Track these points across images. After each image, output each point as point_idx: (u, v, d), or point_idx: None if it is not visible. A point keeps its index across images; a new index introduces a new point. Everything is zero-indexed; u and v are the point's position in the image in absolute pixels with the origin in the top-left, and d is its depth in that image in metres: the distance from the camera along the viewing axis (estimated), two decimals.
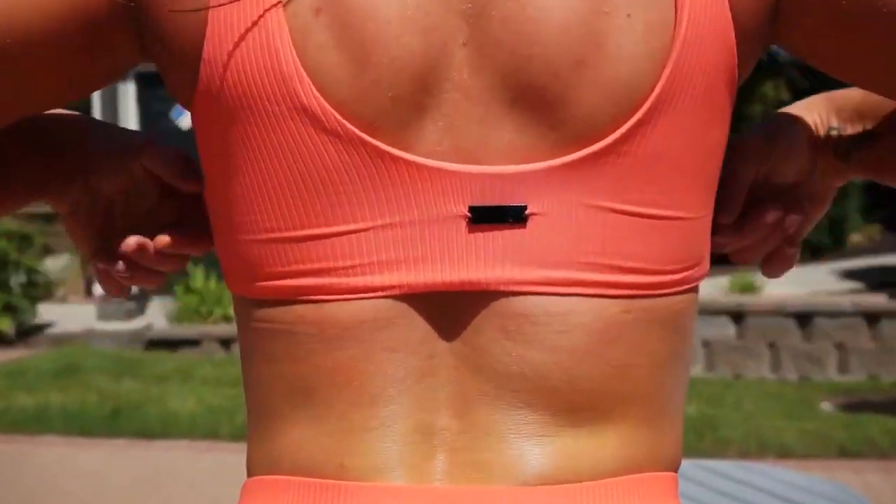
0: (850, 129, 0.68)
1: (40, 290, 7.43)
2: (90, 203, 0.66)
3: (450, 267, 0.55)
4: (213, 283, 7.08)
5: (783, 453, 4.15)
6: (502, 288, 0.55)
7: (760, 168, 0.68)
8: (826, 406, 4.96)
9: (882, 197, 8.54)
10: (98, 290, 8.10)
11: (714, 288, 6.04)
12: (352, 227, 0.55)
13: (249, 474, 0.61)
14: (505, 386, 0.56)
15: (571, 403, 0.56)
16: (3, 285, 7.11)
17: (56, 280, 7.88)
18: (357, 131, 0.54)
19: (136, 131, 0.69)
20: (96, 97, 7.97)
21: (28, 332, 7.23)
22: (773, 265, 0.72)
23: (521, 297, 0.55)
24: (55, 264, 8.06)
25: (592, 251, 0.55)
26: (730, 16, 0.55)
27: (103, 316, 7.52)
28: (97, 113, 7.64)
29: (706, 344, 5.64)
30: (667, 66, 0.54)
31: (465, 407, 0.56)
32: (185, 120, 6.85)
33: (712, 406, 4.82)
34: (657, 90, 0.54)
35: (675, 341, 0.59)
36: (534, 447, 0.55)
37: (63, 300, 8.47)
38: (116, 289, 0.70)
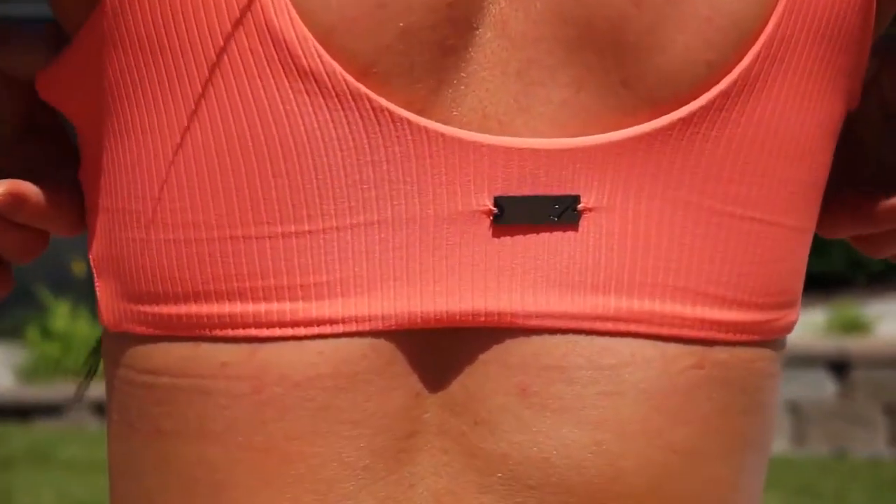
0: None
1: None
2: None
3: (458, 289, 0.56)
4: (82, 324, 7.16)
5: None
6: (531, 323, 0.56)
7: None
8: None
9: None
10: None
11: (805, 327, 6.09)
12: (316, 224, 0.55)
13: None
14: (517, 480, 0.56)
15: None
16: None
17: None
18: (346, 74, 0.53)
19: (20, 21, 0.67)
20: None
21: None
22: None
23: (559, 338, 0.56)
24: None
25: (665, 268, 0.57)
26: None
27: None
28: None
29: (793, 408, 5.73)
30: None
31: None
32: None
33: (803, 498, 4.91)
34: (769, 28, 0.55)
35: (755, 422, 0.60)
36: None
37: None
38: None
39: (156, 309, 0.58)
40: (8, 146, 0.65)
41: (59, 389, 6.74)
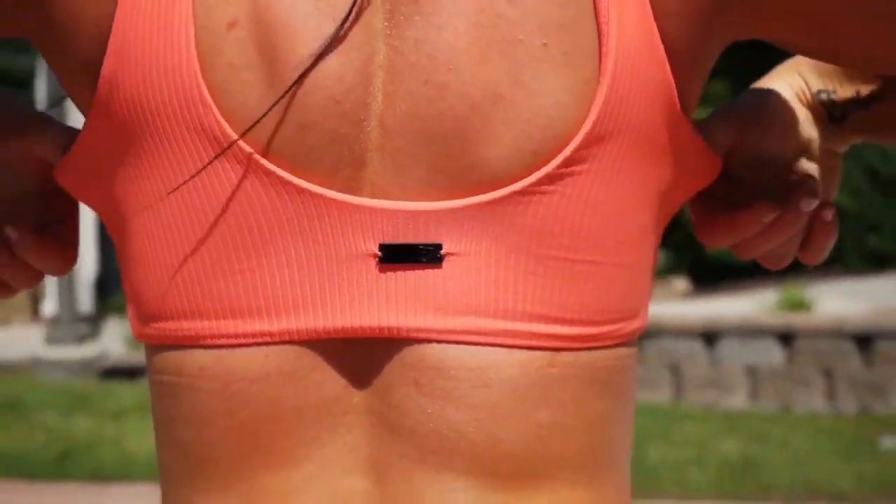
0: (842, 93, 0.69)
1: None
2: None
3: (359, 311, 0.57)
4: None
5: (838, 499, 4.16)
6: (414, 335, 0.58)
7: (744, 143, 0.68)
8: (889, 444, 4.94)
9: None
10: (47, 309, 8.14)
11: (758, 305, 6.05)
12: (252, 263, 0.58)
13: None
14: (424, 447, 0.58)
15: (497, 467, 0.58)
16: None
17: None
18: (260, 158, 0.56)
19: (34, 108, 0.69)
20: (42, 83, 8.03)
21: None
22: (810, 249, 0.71)
23: (435, 346, 0.58)
24: None
25: (513, 297, 0.58)
26: (663, 47, 0.58)
27: (52, 340, 7.56)
28: (42, 99, 7.67)
29: (750, 371, 5.64)
30: (595, 100, 0.56)
31: (385, 471, 0.59)
32: None
33: (755, 444, 4.83)
34: (584, 128, 0.56)
35: (610, 402, 0.61)
36: None
37: (6, 322, 8.52)
38: None
39: (155, 325, 0.61)
40: (25, 202, 0.68)
41: None
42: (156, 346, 0.62)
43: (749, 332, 5.61)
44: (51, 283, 7.78)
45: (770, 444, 4.84)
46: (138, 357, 6.81)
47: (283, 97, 0.55)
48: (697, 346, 5.62)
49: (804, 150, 0.70)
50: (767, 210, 0.66)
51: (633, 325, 0.62)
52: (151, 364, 0.63)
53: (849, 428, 5.16)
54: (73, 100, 0.63)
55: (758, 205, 0.66)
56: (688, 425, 5.04)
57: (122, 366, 6.80)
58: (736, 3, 0.59)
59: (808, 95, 0.70)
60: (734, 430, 5.07)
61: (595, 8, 0.56)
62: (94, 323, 7.89)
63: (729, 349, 5.64)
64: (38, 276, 0.70)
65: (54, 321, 7.90)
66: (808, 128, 0.69)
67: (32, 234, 0.67)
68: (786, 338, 5.57)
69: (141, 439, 5.14)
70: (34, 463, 4.90)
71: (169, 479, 0.64)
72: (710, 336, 5.65)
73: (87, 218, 3.98)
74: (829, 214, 0.69)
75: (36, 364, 6.94)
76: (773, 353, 5.62)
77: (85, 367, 6.89)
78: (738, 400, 5.64)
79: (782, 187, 0.68)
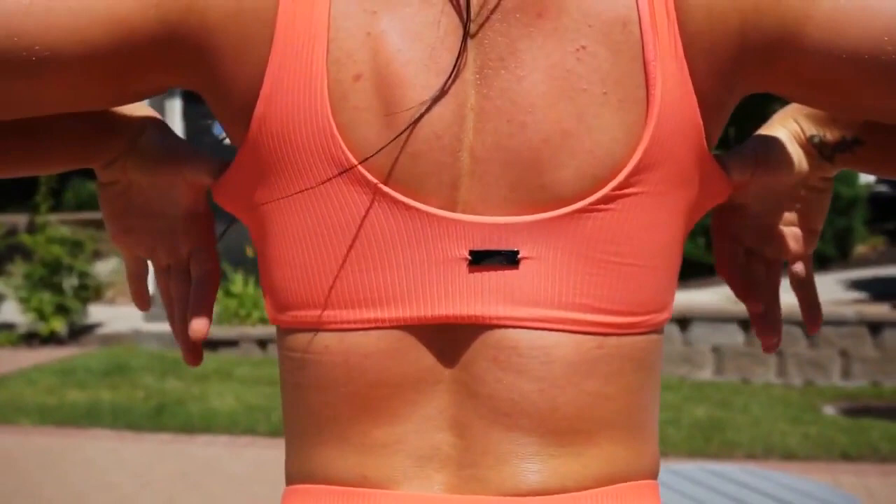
0: (830, 136, 0.70)
1: (90, 292, 7.51)
2: (124, 186, 0.69)
3: (452, 302, 0.59)
4: (251, 288, 7.12)
5: (787, 456, 4.14)
6: (495, 322, 0.59)
7: (756, 179, 0.69)
8: (829, 411, 4.93)
9: (887, 210, 8.47)
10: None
11: (723, 297, 6.02)
12: (369, 265, 0.59)
13: (288, 482, 0.66)
14: (499, 409, 0.60)
15: (556, 427, 0.60)
16: (57, 288, 7.20)
17: (105, 283, 7.97)
18: (378, 182, 0.58)
19: (194, 146, 0.70)
20: None
21: (79, 332, 7.33)
22: (804, 311, 0.75)
23: (512, 331, 0.60)
24: (104, 268, 8.17)
25: (573, 292, 0.59)
26: (695, 98, 0.59)
27: (149, 318, 7.60)
28: None
29: (715, 350, 5.62)
30: (642, 138, 0.58)
31: (466, 428, 0.61)
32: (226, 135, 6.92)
33: (720, 410, 4.82)
34: (634, 159, 0.58)
35: (643, 376, 0.63)
36: (525, 464, 0.60)
37: (112, 302, 8.58)
38: (140, 300, 0.75)
39: (290, 313, 0.63)
40: (180, 223, 0.70)
41: (236, 330, 6.80)
42: (288, 329, 0.64)
43: (715, 318, 5.59)
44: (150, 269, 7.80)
45: (733, 409, 4.83)
46: (217, 331, 6.85)
47: (402, 134, 0.57)
48: (674, 330, 5.61)
49: (801, 182, 0.71)
50: (756, 305, 0.71)
51: (663, 315, 0.64)
52: (284, 343, 0.64)
53: (797, 397, 5.13)
54: (231, 139, 0.64)
55: (752, 301, 0.72)
56: (665, 393, 5.03)
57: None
58: (771, 72, 0.59)
59: (803, 138, 0.71)
60: (703, 398, 5.06)
61: (644, 67, 0.58)
62: None
63: (699, 332, 5.62)
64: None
65: (151, 302, 7.93)
66: (803, 164, 0.71)
67: (186, 283, 0.70)
68: (745, 323, 5.52)
69: (221, 399, 5.20)
70: (136, 415, 4.94)
71: (294, 434, 0.66)
72: (683, 321, 5.63)
73: None
74: (801, 271, 0.73)
75: (137, 336, 6.99)
76: (735, 336, 5.60)
77: (175, 339, 6.91)
78: (706, 373, 5.62)
79: (779, 222, 0.71)
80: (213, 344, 6.72)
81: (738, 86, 0.61)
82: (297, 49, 0.58)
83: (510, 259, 0.59)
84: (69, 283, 7.33)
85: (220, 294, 7.19)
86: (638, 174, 0.58)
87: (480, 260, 0.59)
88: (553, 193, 0.58)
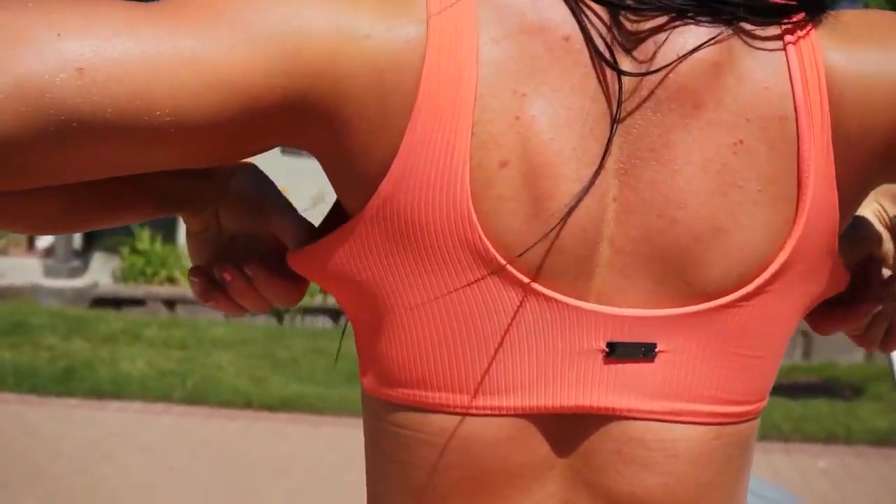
0: None
1: None
2: (216, 232, 0.68)
3: (584, 392, 0.58)
4: (158, 246, 6.98)
5: None
6: (625, 414, 0.59)
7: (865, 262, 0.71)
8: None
9: None
10: (41, 243, 7.86)
11: None
12: (499, 354, 0.58)
13: None
14: (616, 502, 0.60)
15: None
16: None
17: None
18: (517, 273, 0.56)
19: (282, 196, 0.68)
20: None
21: None
22: (889, 341, 0.75)
23: (639, 423, 0.59)
24: None
25: (702, 384, 0.59)
26: (837, 200, 0.58)
27: (49, 273, 7.32)
28: None
29: None
30: (790, 237, 0.57)
31: None
32: None
33: None
34: (780, 258, 0.58)
35: (746, 462, 0.64)
36: None
37: (4, 252, 8.21)
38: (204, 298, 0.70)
39: (402, 390, 0.60)
40: (262, 237, 0.68)
41: (142, 288, 6.64)
42: (396, 405, 0.61)
43: None
44: None
45: None
46: (123, 289, 6.68)
47: (554, 228, 0.55)
48: None
49: (885, 256, 0.73)
50: (872, 305, 0.70)
51: (765, 402, 0.64)
52: (388, 417, 0.62)
53: None
54: (344, 203, 0.60)
55: (864, 301, 0.70)
56: None
57: (109, 296, 6.65)
58: None
59: (886, 218, 0.72)
60: None
61: (798, 164, 0.57)
62: (83, 257, 7.64)
63: None
64: (269, 304, 0.69)
65: (49, 253, 7.64)
66: (887, 242, 0.72)
67: (265, 271, 0.66)
68: None
69: (131, 362, 5.06)
70: (41, 378, 4.76)
71: None
72: None
73: None
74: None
75: (35, 291, 6.72)
76: None
77: (77, 295, 6.70)
78: None
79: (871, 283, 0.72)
80: (118, 302, 6.56)
81: (875, 180, 0.61)
82: (439, 126, 0.54)
83: (648, 352, 0.58)
84: None
85: (125, 251, 7.00)
86: (782, 273, 0.58)
87: (618, 352, 0.58)
88: (697, 289, 0.58)
